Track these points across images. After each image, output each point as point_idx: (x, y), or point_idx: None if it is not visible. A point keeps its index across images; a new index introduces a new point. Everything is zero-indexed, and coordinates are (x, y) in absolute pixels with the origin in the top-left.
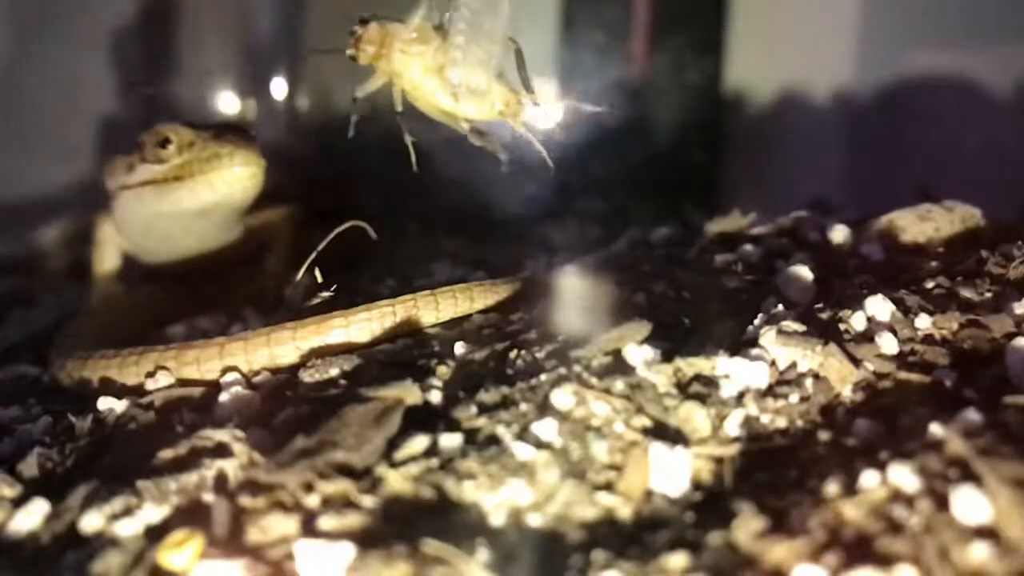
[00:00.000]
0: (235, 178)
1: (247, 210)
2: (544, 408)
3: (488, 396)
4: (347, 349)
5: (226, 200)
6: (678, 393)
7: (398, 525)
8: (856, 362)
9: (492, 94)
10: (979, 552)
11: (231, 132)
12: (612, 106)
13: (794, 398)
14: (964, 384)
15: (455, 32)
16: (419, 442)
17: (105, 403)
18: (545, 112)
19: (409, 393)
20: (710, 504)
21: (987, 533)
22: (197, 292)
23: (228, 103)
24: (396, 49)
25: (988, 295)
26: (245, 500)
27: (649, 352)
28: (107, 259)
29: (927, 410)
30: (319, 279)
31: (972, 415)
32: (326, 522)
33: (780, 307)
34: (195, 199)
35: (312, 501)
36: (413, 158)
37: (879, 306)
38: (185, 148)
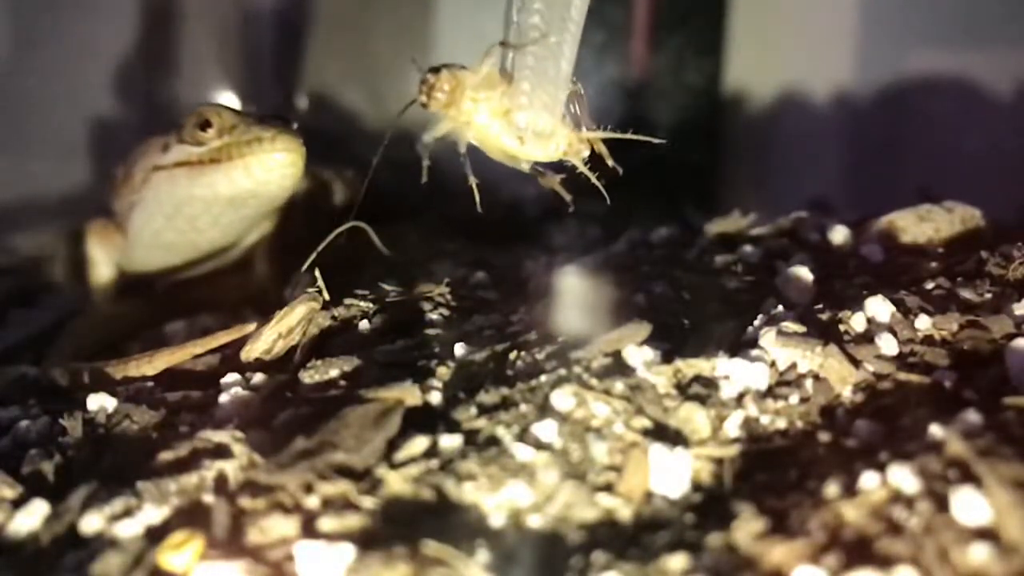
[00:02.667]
0: (275, 164)
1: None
2: (544, 409)
3: (488, 397)
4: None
5: (262, 188)
6: (678, 394)
7: (398, 526)
8: (856, 363)
9: (557, 136)
10: (979, 553)
11: (275, 119)
12: (666, 141)
13: (794, 399)
14: (964, 385)
15: (521, 77)
16: (419, 443)
17: (95, 401)
18: (606, 152)
19: (409, 394)
20: (710, 505)
21: (987, 534)
22: (192, 296)
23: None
24: (466, 96)
25: (988, 296)
26: (245, 501)
27: (649, 353)
28: (102, 274)
29: (927, 411)
30: (319, 279)
31: (972, 416)
32: (326, 523)
33: (780, 308)
34: (231, 184)
35: (312, 502)
36: (478, 199)
37: (879, 307)
38: (226, 131)
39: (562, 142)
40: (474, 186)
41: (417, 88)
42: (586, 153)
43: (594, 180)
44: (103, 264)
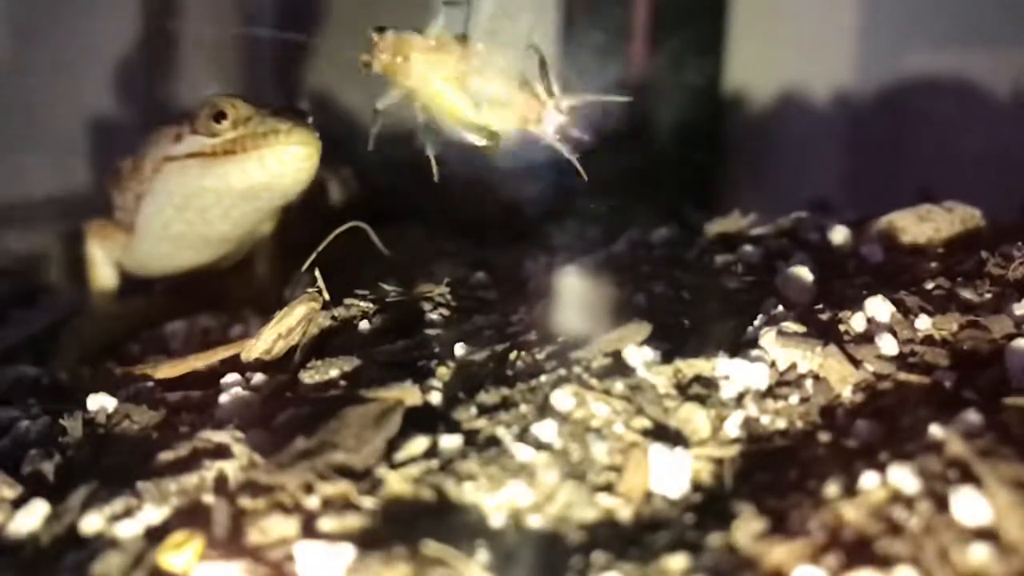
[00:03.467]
0: (290, 157)
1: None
2: (544, 409)
3: (488, 397)
4: None
5: (276, 181)
6: (678, 394)
7: (398, 526)
8: (856, 363)
9: (516, 103)
10: (979, 553)
11: (290, 112)
12: (628, 95)
13: (794, 399)
14: (964, 385)
15: (475, 40)
16: (419, 443)
17: (95, 401)
18: (569, 117)
19: (409, 394)
20: (710, 505)
21: (987, 534)
22: (191, 296)
23: None
24: (415, 60)
25: (988, 296)
26: (245, 501)
27: (649, 353)
28: (102, 275)
29: (927, 411)
30: (319, 279)
31: (972, 416)
32: (326, 523)
33: (780, 308)
34: (244, 176)
35: (312, 502)
36: (436, 171)
37: (879, 307)
38: (241, 122)
39: (522, 109)
40: (432, 158)
41: (370, 53)
42: (551, 123)
43: (565, 154)
44: (103, 264)
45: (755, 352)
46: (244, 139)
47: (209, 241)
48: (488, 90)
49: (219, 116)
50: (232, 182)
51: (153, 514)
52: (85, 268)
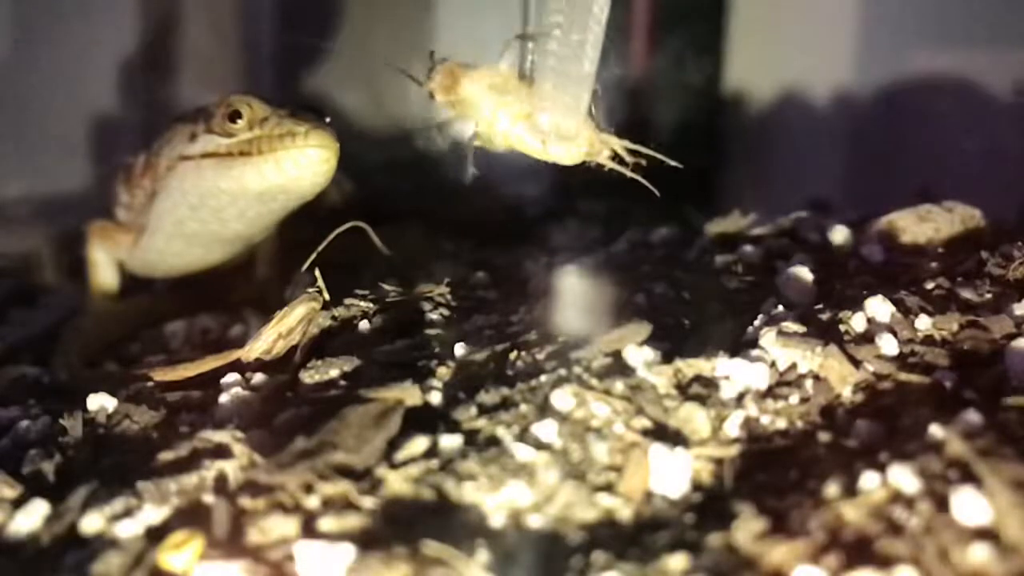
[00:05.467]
0: (307, 161)
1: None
2: (544, 409)
3: (488, 397)
4: None
5: (293, 184)
6: (678, 394)
7: (398, 526)
8: (856, 363)
9: (580, 138)
10: (979, 553)
11: (308, 112)
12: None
13: (794, 399)
14: (964, 385)
15: (543, 78)
16: (419, 443)
17: (95, 401)
18: (625, 152)
19: (409, 394)
20: (710, 505)
21: (987, 534)
22: (192, 296)
23: None
24: (483, 96)
25: (988, 296)
26: (245, 501)
27: (649, 353)
28: (104, 276)
29: (927, 411)
30: (319, 279)
31: (972, 416)
32: (326, 523)
33: (780, 308)
34: (260, 179)
35: (312, 502)
36: (468, 178)
37: (879, 307)
38: (257, 123)
39: (584, 143)
40: (469, 176)
41: (426, 78)
42: (607, 153)
43: (628, 173)
44: (105, 266)
45: (755, 352)
46: (260, 140)
47: (222, 240)
48: (554, 127)
49: (235, 116)
50: (248, 184)
51: (153, 514)
52: (86, 270)
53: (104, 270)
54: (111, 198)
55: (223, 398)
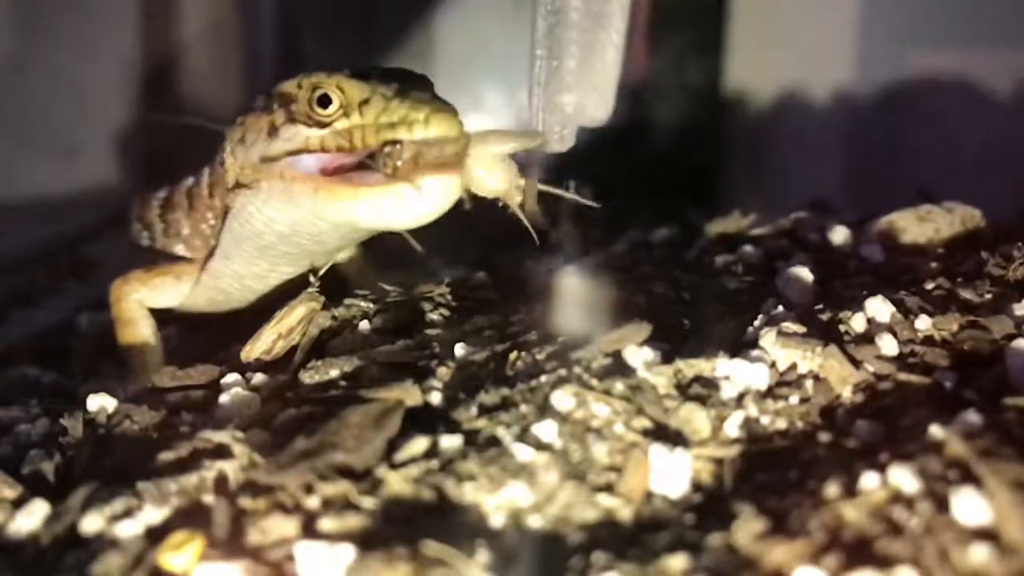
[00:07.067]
0: (437, 191)
1: None
2: (544, 409)
3: (488, 397)
4: None
5: (412, 217)
6: (678, 394)
7: (398, 526)
8: (856, 363)
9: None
10: (979, 554)
11: (412, 86)
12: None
13: (794, 399)
14: (964, 385)
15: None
16: (419, 443)
17: (95, 401)
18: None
19: (409, 394)
20: (710, 506)
21: (987, 535)
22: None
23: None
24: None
25: (988, 296)
26: (245, 501)
27: (649, 353)
28: (144, 333)
29: (927, 411)
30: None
31: (972, 417)
32: (326, 523)
33: (780, 308)
34: (375, 214)
35: (312, 502)
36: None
37: (879, 307)
38: (354, 108)
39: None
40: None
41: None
42: (518, 199)
43: (526, 224)
44: (144, 321)
45: (755, 352)
46: (365, 131)
47: (314, 255)
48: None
49: (324, 100)
50: (358, 217)
51: (153, 514)
52: (116, 332)
53: (143, 326)
54: (147, 234)
55: (223, 398)
